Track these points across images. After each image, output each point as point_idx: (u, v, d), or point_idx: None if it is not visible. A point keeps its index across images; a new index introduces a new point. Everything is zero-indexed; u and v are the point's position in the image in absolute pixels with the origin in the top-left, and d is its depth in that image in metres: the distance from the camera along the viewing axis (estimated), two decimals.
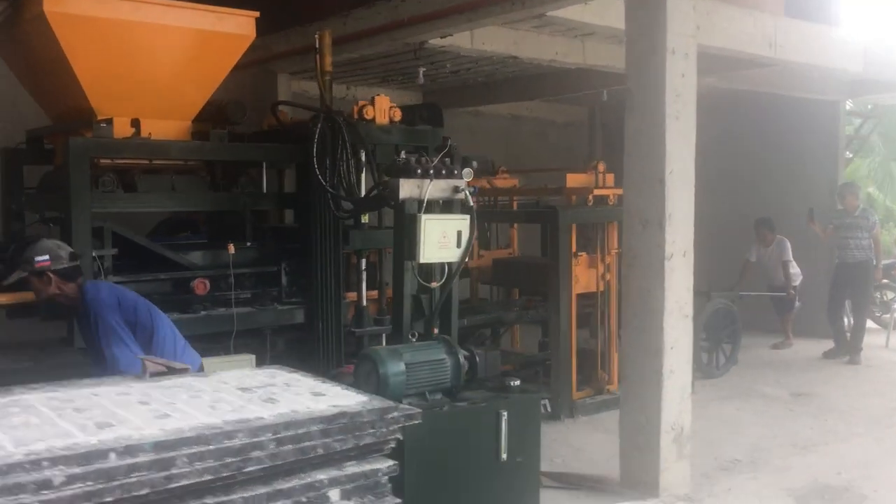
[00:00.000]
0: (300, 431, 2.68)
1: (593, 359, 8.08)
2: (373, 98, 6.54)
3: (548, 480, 5.95)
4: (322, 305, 6.17)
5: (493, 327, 8.60)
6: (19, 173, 6.07)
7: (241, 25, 5.95)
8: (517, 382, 5.11)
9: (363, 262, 6.44)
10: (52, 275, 4.40)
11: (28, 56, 5.68)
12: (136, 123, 5.55)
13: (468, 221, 5.36)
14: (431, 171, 5.24)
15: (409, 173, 5.21)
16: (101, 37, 5.40)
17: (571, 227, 7.56)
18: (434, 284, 5.38)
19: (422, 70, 9.95)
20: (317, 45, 6.74)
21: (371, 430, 2.90)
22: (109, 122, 5.42)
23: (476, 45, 8.52)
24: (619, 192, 8.28)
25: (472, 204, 5.41)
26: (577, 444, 6.93)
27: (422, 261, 5.20)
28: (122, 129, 5.61)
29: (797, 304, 11.10)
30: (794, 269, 11.09)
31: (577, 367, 7.78)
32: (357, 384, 4.71)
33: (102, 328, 4.32)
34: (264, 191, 6.34)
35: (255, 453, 2.56)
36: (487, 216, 9.07)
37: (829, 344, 10.69)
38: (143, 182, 5.73)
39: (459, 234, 5.31)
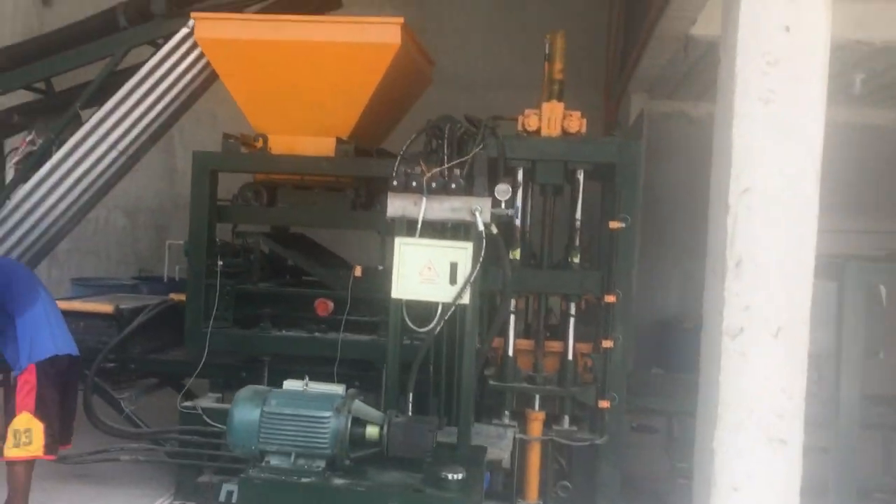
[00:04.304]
0: None
1: None
2: (540, 105, 5.38)
3: None
4: (438, 347, 5.31)
5: None
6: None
7: (385, 34, 5.55)
8: (460, 476, 3.70)
9: (511, 303, 5.32)
10: None
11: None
12: (262, 138, 5.67)
13: (468, 251, 4.09)
14: (414, 184, 4.18)
15: (397, 186, 4.24)
16: (245, 57, 5.67)
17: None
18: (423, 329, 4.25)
19: (859, 77, 7.65)
20: (546, 50, 5.92)
21: None
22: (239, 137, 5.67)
23: None
24: None
25: (480, 228, 4.12)
26: None
27: (394, 295, 4.18)
28: (275, 145, 5.80)
29: None
30: None
31: None
32: None
33: None
34: None
35: None
36: None
37: None
38: (285, 197, 5.80)
39: (454, 266, 4.09)
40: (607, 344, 5.22)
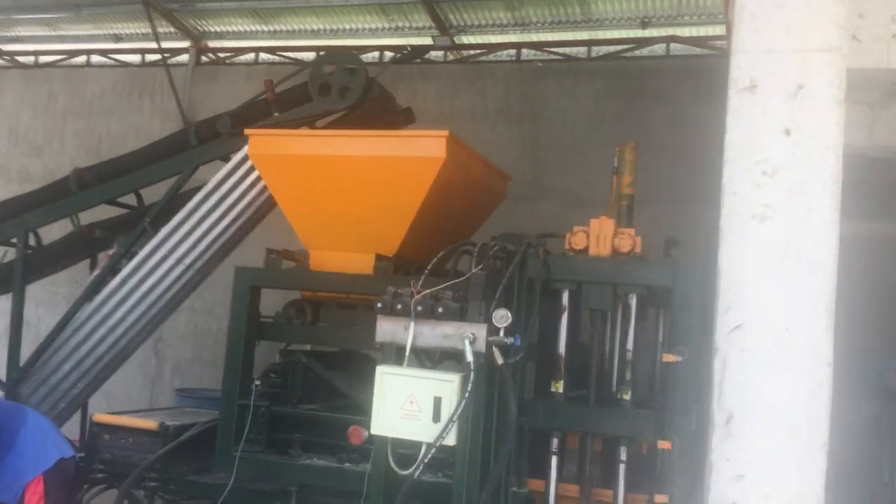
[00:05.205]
0: None
1: None
2: (589, 222, 4.87)
3: None
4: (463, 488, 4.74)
5: None
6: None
7: (430, 148, 5.27)
8: None
9: (554, 442, 4.73)
10: None
11: None
12: (304, 253, 5.49)
13: (454, 384, 3.61)
14: (399, 306, 3.77)
15: (382, 308, 3.86)
16: (292, 172, 5.57)
17: None
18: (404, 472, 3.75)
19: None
20: (615, 163, 5.55)
21: None
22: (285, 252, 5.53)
23: None
24: None
25: (469, 359, 3.64)
26: None
27: (373, 431, 3.73)
28: (318, 261, 5.62)
29: None
30: None
31: None
32: None
33: None
34: None
35: None
36: None
37: None
38: (327, 315, 5.55)
39: (437, 401, 3.62)
40: (661, 499, 4.48)
